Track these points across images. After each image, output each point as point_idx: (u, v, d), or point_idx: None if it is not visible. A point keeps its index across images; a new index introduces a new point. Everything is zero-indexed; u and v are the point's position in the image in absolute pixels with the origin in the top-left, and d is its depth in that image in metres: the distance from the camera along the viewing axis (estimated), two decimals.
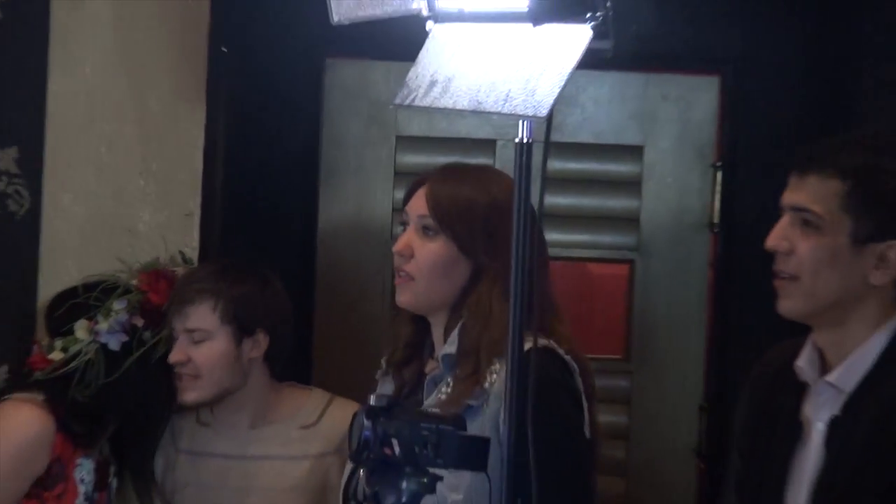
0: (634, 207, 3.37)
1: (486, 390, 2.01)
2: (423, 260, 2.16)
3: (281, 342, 2.63)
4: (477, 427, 1.89)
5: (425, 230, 2.15)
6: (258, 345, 2.60)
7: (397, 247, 2.15)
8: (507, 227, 1.83)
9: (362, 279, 3.56)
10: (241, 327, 2.52)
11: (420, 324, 2.26)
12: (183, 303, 2.63)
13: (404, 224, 2.15)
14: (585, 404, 2.04)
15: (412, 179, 3.06)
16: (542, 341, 1.98)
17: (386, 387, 2.22)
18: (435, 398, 2.08)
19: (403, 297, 2.17)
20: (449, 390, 2.08)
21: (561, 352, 2.04)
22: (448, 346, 2.16)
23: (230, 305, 2.53)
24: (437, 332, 2.22)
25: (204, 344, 2.55)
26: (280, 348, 2.62)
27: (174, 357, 2.56)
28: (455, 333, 2.15)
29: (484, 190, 2.11)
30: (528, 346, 2.17)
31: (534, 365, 2.04)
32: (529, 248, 2.15)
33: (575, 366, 2.06)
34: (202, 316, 2.54)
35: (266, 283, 2.70)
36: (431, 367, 2.20)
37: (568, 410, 2.03)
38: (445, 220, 2.11)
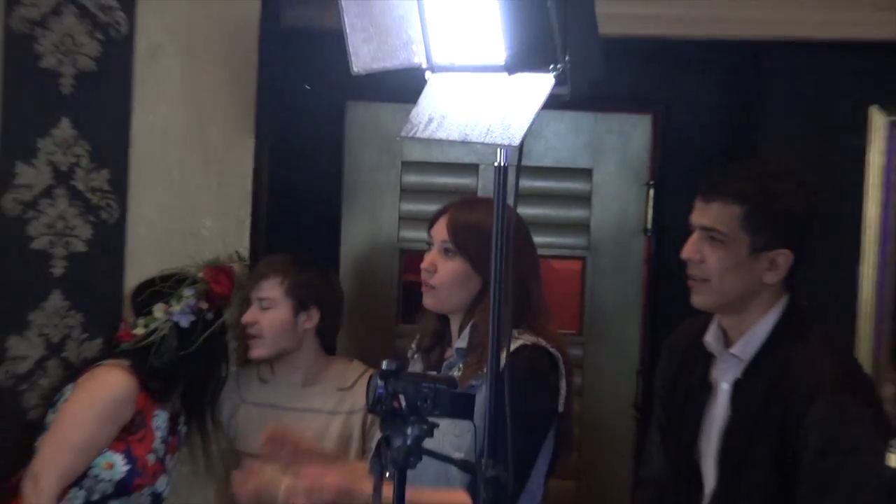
0: (586, 216, 3.88)
1: (484, 375, 2.41)
2: (444, 275, 2.67)
3: (331, 320, 3.26)
4: (480, 401, 2.27)
5: (446, 251, 2.66)
6: (311, 318, 3.18)
7: (424, 264, 2.69)
8: (523, 245, 2.53)
9: (375, 271, 4.06)
10: (300, 302, 3.13)
11: (442, 320, 2.82)
12: (259, 277, 3.21)
13: (430, 245, 2.72)
14: (564, 387, 2.61)
15: (414, 195, 3.88)
16: (533, 339, 2.56)
17: (416, 366, 2.82)
18: None
19: (429, 302, 2.72)
20: (459, 374, 2.61)
21: (549, 348, 2.59)
22: (461, 342, 2.68)
23: (293, 284, 3.14)
24: (454, 327, 2.76)
25: (269, 311, 3.14)
26: (329, 325, 3.26)
27: (246, 318, 3.15)
28: (467, 331, 2.67)
29: (486, 217, 2.45)
30: (520, 342, 2.52)
31: (528, 354, 2.45)
32: (521, 261, 2.47)
33: (559, 356, 2.60)
34: (271, 288, 3.11)
35: (324, 273, 3.31)
36: (448, 355, 2.76)
37: (549, 386, 2.60)
38: (462, 245, 2.61)
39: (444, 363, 2.77)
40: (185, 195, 3.52)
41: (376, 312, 3.95)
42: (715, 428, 2.51)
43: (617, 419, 4.02)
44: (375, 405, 2.17)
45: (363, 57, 2.44)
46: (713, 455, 2.52)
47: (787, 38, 3.76)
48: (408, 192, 3.99)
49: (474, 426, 2.20)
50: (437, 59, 2.33)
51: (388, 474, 2.16)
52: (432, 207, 3.01)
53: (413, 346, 2.97)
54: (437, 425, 2.12)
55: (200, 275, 3.33)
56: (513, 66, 2.05)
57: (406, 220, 4.01)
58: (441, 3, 2.33)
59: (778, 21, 3.69)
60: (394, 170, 4.02)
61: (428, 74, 2.33)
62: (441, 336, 2.87)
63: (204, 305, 3.29)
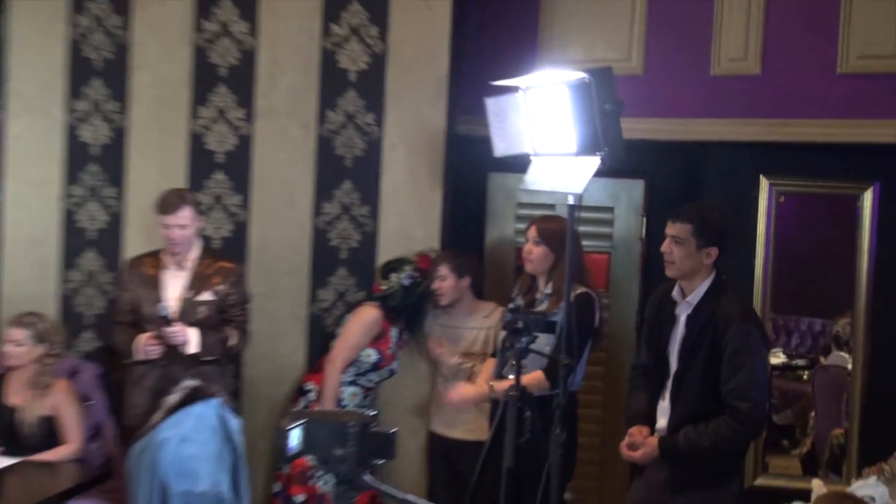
0: (610, 231, 4.94)
1: (559, 308, 3.62)
2: (536, 254, 3.91)
3: (478, 282, 4.39)
4: (557, 323, 3.30)
5: (536, 242, 3.90)
6: (466, 282, 4.28)
7: (525, 249, 3.97)
8: (564, 241, 3.40)
9: (502, 257, 5.06)
10: (460, 274, 4.29)
11: (532, 279, 3.99)
12: (440, 262, 4.33)
13: (528, 239, 3.94)
14: (598, 314, 3.83)
15: (521, 218, 4.66)
16: (584, 289, 3.74)
17: (518, 303, 3.87)
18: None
19: (528, 268, 3.98)
20: (545, 308, 3.83)
21: (591, 293, 3.84)
22: (546, 290, 3.91)
23: (455, 264, 4.30)
24: (540, 282, 3.95)
25: (447, 281, 4.30)
26: (478, 285, 4.41)
27: (437, 285, 4.31)
28: (550, 285, 3.89)
29: (557, 225, 3.88)
30: (578, 290, 3.60)
31: (570, 299, 3.32)
32: (576, 249, 3.47)
33: (596, 298, 3.83)
34: (444, 271, 4.28)
35: (472, 257, 4.44)
36: (537, 297, 3.95)
37: (592, 315, 3.82)
38: (544, 238, 3.88)
39: (536, 301, 3.96)
40: (408, 218, 4.69)
41: (502, 277, 4.87)
42: (677, 338, 3.43)
43: (625, 333, 4.91)
44: (506, 325, 3.37)
45: (499, 146, 3.57)
46: (675, 353, 3.42)
47: (721, 140, 4.71)
48: (518, 217, 4.98)
49: (556, 336, 3.35)
50: (538, 149, 3.35)
51: (505, 369, 3.42)
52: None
53: (515, 291, 4.13)
54: (537, 336, 3.31)
55: (414, 258, 4.50)
56: (579, 152, 3.07)
57: (518, 231, 4.90)
58: (539, 119, 3.27)
59: (717, 131, 4.65)
60: (511, 205, 5.04)
61: (532, 157, 3.42)
62: (532, 287, 4.05)
63: (416, 275, 4.43)
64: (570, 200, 3.23)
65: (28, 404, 4.14)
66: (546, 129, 3.28)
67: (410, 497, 2.49)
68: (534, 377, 3.62)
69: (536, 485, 3.48)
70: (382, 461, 2.37)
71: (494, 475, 3.45)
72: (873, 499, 2.62)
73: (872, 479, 2.71)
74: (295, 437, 2.26)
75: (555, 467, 3.20)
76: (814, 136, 4.46)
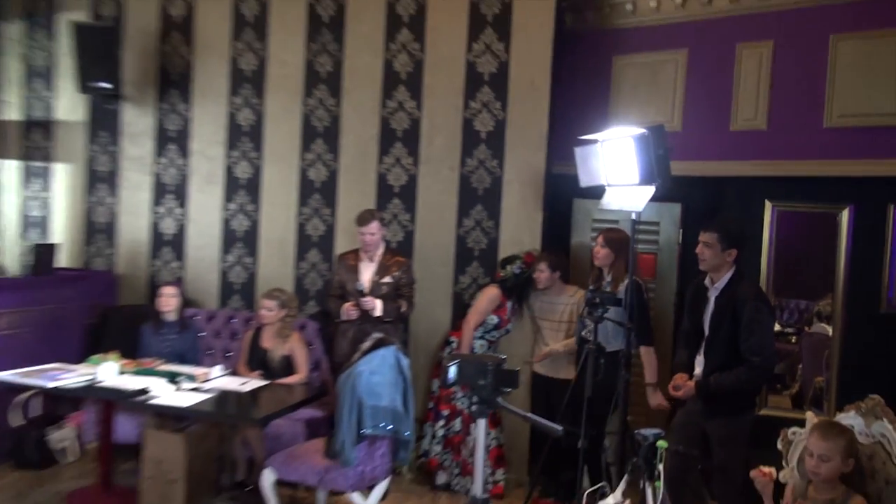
0: (657, 238, 4.83)
1: (621, 290, 3.75)
2: (602, 255, 4.04)
3: (565, 273, 4.44)
4: (622, 300, 3.44)
5: (602, 245, 4.03)
6: (556, 274, 4.38)
7: (595, 250, 4.08)
8: (627, 246, 3.69)
9: (581, 255, 4.93)
10: (553, 268, 4.36)
11: (600, 270, 4.08)
12: (540, 260, 4.43)
13: (596, 244, 4.08)
14: (645, 294, 3.90)
15: (594, 230, 4.69)
16: (636, 278, 3.62)
17: (592, 286, 3.91)
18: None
19: (597, 263, 4.08)
20: (609, 290, 3.91)
21: (640, 280, 3.81)
22: (608, 278, 4.02)
23: (553, 261, 4.41)
24: (605, 273, 4.03)
25: (544, 273, 4.40)
26: (564, 274, 4.44)
27: (538, 276, 4.38)
28: (610, 275, 4.01)
29: (621, 234, 4.00)
30: (632, 279, 3.50)
31: (633, 283, 3.46)
32: (633, 250, 3.54)
33: (643, 284, 3.91)
34: (542, 268, 4.40)
35: (562, 254, 4.53)
36: (603, 284, 4.03)
37: (643, 293, 3.88)
38: (609, 243, 4.00)
39: (602, 286, 4.02)
40: (518, 229, 4.85)
41: (582, 269, 4.74)
42: (708, 313, 3.41)
43: (666, 308, 4.84)
44: (587, 301, 3.60)
45: (583, 180, 3.67)
46: (708, 323, 3.40)
47: (737, 175, 4.60)
48: (593, 229, 4.91)
49: (623, 309, 3.47)
50: (610, 181, 3.48)
51: (585, 331, 3.71)
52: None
53: (590, 279, 4.19)
54: (608, 309, 3.55)
55: (522, 255, 4.62)
56: (640, 183, 3.25)
57: (592, 239, 4.71)
58: (611, 160, 3.40)
59: (734, 169, 4.58)
60: (588, 221, 5.00)
61: (606, 187, 3.55)
62: (599, 277, 4.10)
63: (523, 266, 4.56)
64: (633, 216, 3.37)
65: (275, 347, 4.47)
66: (616, 167, 3.39)
67: (529, 414, 2.56)
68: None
69: (606, 409, 3.70)
70: (509, 389, 2.40)
71: (578, 402, 3.56)
72: (853, 427, 2.60)
73: (852, 413, 2.65)
74: (453, 371, 2.34)
75: (621, 397, 3.38)
76: (805, 172, 4.37)
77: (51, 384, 3.87)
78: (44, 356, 4.39)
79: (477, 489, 2.41)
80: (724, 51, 4.48)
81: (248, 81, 5.19)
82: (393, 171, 5.02)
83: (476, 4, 4.75)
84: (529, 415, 2.53)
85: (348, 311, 4.36)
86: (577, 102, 4.93)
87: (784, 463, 2.75)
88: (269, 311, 4.42)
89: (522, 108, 4.69)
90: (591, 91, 4.94)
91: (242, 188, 5.26)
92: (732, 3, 4.43)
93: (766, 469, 2.61)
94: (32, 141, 5.69)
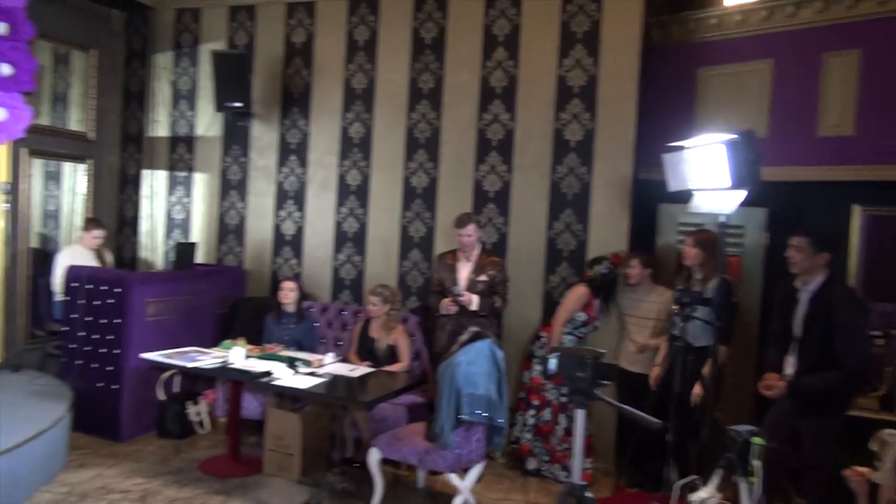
0: (743, 241, 4.51)
1: (710, 287, 3.54)
2: (691, 254, 3.78)
3: (655, 271, 4.17)
4: (711, 299, 3.29)
5: (692, 246, 3.77)
6: (648, 270, 4.12)
7: (685, 250, 3.80)
8: (716, 246, 3.42)
9: (666, 259, 4.69)
10: (644, 265, 4.17)
11: (689, 269, 3.81)
12: (630, 258, 4.21)
13: (686, 244, 3.82)
14: (734, 292, 3.57)
15: (680, 233, 4.41)
16: (727, 277, 3.45)
17: (681, 286, 3.66)
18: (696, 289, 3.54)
19: (687, 262, 3.79)
20: (696, 289, 3.67)
21: (729, 279, 3.55)
22: (697, 276, 3.76)
23: (646, 259, 4.22)
24: (695, 273, 3.79)
25: (648, 268, 4.19)
26: (655, 273, 4.17)
27: (630, 272, 4.14)
28: (701, 273, 3.73)
29: (710, 235, 3.75)
30: (721, 278, 3.37)
31: (723, 282, 3.32)
32: (722, 250, 3.28)
33: (734, 281, 3.66)
34: (634, 265, 4.18)
35: (651, 254, 4.30)
36: (692, 283, 3.77)
37: (732, 293, 3.57)
38: (697, 243, 3.74)
39: (691, 285, 3.79)
40: (605, 231, 4.66)
41: (667, 270, 4.51)
42: (800, 314, 3.21)
43: (751, 307, 4.44)
44: (676, 299, 3.47)
45: (672, 184, 3.49)
46: (800, 324, 3.19)
47: (822, 180, 4.18)
48: (678, 232, 4.67)
49: (710, 306, 3.36)
50: (697, 185, 3.30)
51: (675, 329, 3.43)
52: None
53: (680, 279, 3.94)
54: (696, 308, 3.41)
55: (609, 256, 4.43)
56: (732, 187, 3.06)
57: (678, 241, 4.59)
58: (700, 165, 3.18)
59: (819, 174, 4.22)
60: (673, 224, 4.73)
61: (695, 192, 3.38)
62: (689, 276, 3.88)
63: (610, 266, 4.37)
64: (722, 219, 3.18)
65: (381, 337, 4.45)
66: (706, 171, 3.22)
67: (627, 407, 2.40)
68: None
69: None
70: (607, 382, 2.28)
71: (666, 396, 3.39)
72: None
73: None
74: (553, 363, 2.25)
75: (710, 392, 3.22)
76: (891, 177, 4.00)
77: (190, 364, 3.99)
78: (183, 340, 4.57)
79: (576, 476, 2.31)
80: (809, 59, 4.20)
81: (358, 99, 5.24)
82: (488, 177, 4.90)
83: (567, 23, 4.66)
84: (627, 407, 2.39)
85: (447, 306, 4.28)
86: (662, 112, 4.70)
87: (877, 463, 2.57)
88: (374, 305, 4.39)
89: (610, 118, 4.53)
90: (675, 101, 4.70)
91: (353, 194, 5.30)
92: (818, 14, 4.15)
93: (861, 469, 2.43)
94: (177, 154, 5.94)
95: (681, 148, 3.31)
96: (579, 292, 4.35)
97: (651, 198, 4.58)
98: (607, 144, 4.55)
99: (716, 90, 4.60)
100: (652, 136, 4.45)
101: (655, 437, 3.31)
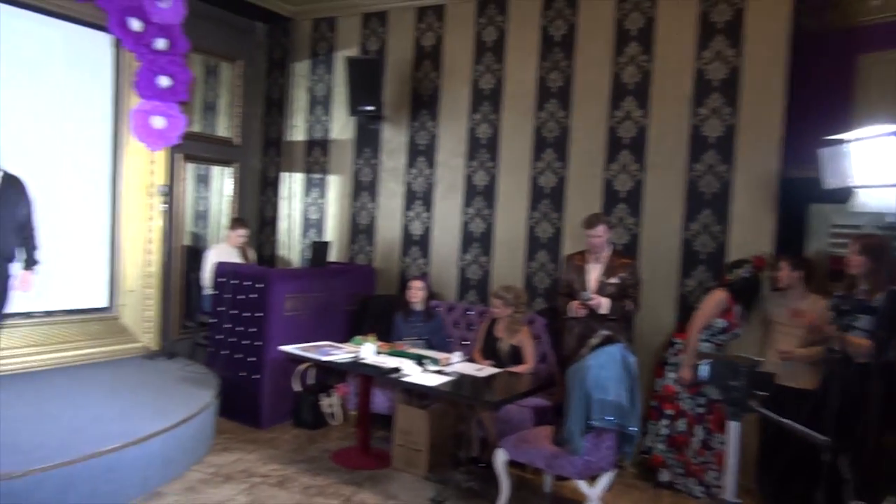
0: None
1: (877, 299, 3.04)
2: (857, 262, 3.34)
3: (811, 275, 3.79)
4: (877, 308, 2.89)
5: (858, 252, 3.34)
6: (798, 274, 3.78)
7: (849, 257, 3.33)
8: (887, 252, 3.14)
9: (818, 264, 4.17)
10: (796, 267, 3.79)
11: (854, 278, 3.34)
12: (777, 259, 3.87)
13: (851, 251, 3.34)
14: None
15: (838, 237, 3.95)
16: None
17: (840, 293, 3.24)
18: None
19: (852, 271, 3.36)
20: (865, 297, 3.22)
21: None
22: (863, 286, 3.29)
23: (797, 262, 3.82)
24: (860, 281, 3.30)
25: (796, 271, 3.79)
26: (810, 277, 3.80)
27: (781, 275, 3.78)
28: (866, 283, 3.25)
29: (880, 240, 3.26)
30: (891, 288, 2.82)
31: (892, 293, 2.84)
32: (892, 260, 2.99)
33: None
34: (784, 266, 3.83)
35: (802, 257, 3.90)
36: (855, 292, 3.33)
37: None
38: (865, 249, 3.35)
39: (855, 293, 3.35)
40: (748, 233, 4.28)
41: (819, 277, 4.04)
42: None
43: None
44: (834, 307, 3.21)
45: (829, 182, 3.34)
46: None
47: None
48: (832, 234, 4.33)
49: (879, 312, 2.93)
50: (860, 181, 3.17)
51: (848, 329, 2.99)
52: (846, 241, 3.57)
53: (842, 287, 3.49)
54: (857, 317, 3.07)
55: (751, 259, 4.17)
56: None
57: (831, 245, 4.31)
58: (863, 160, 3.06)
59: None
60: (826, 226, 4.38)
61: (855, 189, 3.28)
62: (852, 284, 3.45)
63: (753, 270, 4.13)
64: (890, 218, 3.10)
65: (506, 338, 4.40)
66: (872, 167, 3.00)
67: (789, 421, 2.22)
68: (861, 343, 3.06)
69: (855, 421, 3.08)
70: (764, 393, 2.10)
71: (820, 413, 3.09)
72: None
73: None
74: (705, 370, 2.11)
75: (875, 409, 2.88)
76: None
77: (324, 358, 4.12)
78: (317, 334, 4.77)
79: (729, 494, 2.21)
80: None
81: (486, 99, 5.24)
82: (619, 177, 4.76)
83: (706, 13, 4.44)
84: (789, 421, 2.22)
85: (576, 308, 4.18)
86: (814, 105, 4.38)
87: None
88: (497, 308, 4.35)
89: (754, 112, 4.26)
90: (831, 92, 4.38)
91: (480, 195, 5.31)
92: None
93: None
94: (313, 157, 6.20)
95: (841, 142, 3.10)
96: (718, 297, 4.10)
97: (800, 198, 4.27)
98: (750, 140, 4.30)
99: (879, 78, 4.26)
100: (801, 131, 4.19)
101: (808, 457, 3.07)
